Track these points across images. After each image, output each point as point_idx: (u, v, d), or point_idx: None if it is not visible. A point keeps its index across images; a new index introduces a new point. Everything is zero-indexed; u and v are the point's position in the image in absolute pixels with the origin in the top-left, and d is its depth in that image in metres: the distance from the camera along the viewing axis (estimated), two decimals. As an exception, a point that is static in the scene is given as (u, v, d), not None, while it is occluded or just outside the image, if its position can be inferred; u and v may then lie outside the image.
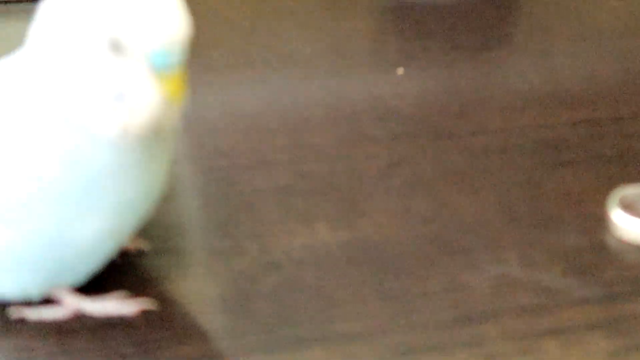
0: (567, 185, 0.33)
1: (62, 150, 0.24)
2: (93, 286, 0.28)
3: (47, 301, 0.27)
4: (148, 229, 0.31)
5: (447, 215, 0.32)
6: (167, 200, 0.33)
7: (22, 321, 0.27)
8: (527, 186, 0.33)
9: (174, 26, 0.23)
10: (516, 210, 0.32)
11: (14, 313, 0.27)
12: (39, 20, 0.24)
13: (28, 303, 0.27)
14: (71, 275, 0.27)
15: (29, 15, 0.57)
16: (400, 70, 0.44)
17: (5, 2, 0.58)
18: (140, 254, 0.30)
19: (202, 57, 0.47)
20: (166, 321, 0.28)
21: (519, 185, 0.33)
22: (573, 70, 0.44)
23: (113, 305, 0.28)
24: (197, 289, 0.29)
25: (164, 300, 0.28)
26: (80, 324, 0.27)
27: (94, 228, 0.26)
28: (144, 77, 0.23)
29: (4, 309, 0.27)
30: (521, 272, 0.28)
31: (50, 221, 0.25)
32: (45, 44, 0.24)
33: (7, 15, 0.57)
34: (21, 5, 0.57)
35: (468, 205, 0.32)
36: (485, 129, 0.38)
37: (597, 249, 0.30)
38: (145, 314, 0.28)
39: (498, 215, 0.32)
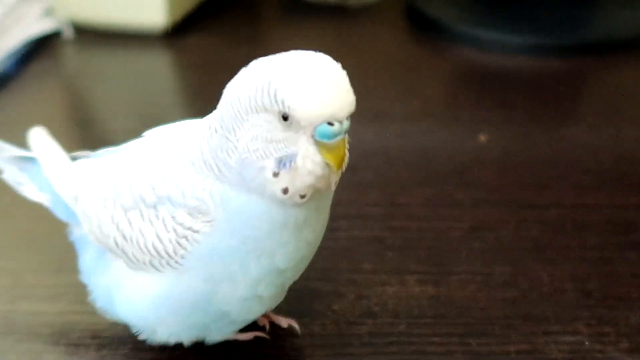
0: (635, 267, 0.35)
1: (223, 210, 0.25)
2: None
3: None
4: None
5: (524, 283, 0.34)
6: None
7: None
8: (598, 263, 0.35)
9: (340, 101, 0.23)
10: (588, 285, 0.34)
11: None
12: (225, 91, 0.25)
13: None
14: (217, 334, 0.29)
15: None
16: (482, 138, 0.46)
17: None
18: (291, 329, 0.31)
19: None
20: (274, 348, 0.31)
21: (591, 261, 0.35)
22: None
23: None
24: (302, 325, 0.31)
25: (273, 332, 0.31)
26: (203, 345, 0.30)
27: (240, 295, 0.26)
28: (308, 146, 0.23)
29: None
30: (591, 343, 0.30)
31: (199, 278, 0.26)
32: (226, 111, 0.25)
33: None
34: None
35: (544, 275, 0.34)
36: (559, 203, 0.40)
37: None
38: (257, 341, 0.31)
39: (571, 288, 0.33)
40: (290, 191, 0.24)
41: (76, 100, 0.57)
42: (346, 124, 0.24)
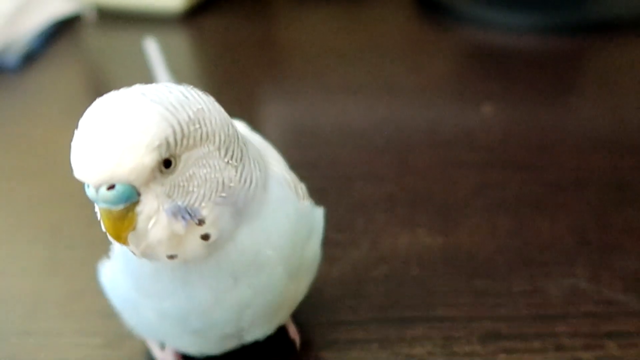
0: (630, 220, 0.37)
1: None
2: None
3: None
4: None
5: (527, 233, 0.36)
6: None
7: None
8: (595, 217, 0.37)
9: (92, 164, 0.19)
10: (586, 235, 0.36)
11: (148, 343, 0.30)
12: None
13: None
14: (174, 345, 0.27)
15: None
16: (487, 107, 0.48)
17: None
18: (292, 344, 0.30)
19: (320, 80, 0.53)
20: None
21: (589, 215, 0.38)
22: (638, 120, 0.48)
23: None
24: (322, 270, 0.34)
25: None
26: None
27: (152, 323, 0.25)
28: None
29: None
30: (588, 285, 0.33)
31: (121, 279, 0.25)
32: None
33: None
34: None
35: (545, 227, 0.37)
36: (560, 165, 0.42)
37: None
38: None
39: (570, 238, 0.36)
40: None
41: (97, 78, 0.60)
42: (107, 194, 0.20)
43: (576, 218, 0.38)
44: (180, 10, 0.66)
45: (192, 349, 0.27)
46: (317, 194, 0.29)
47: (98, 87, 0.58)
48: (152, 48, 0.44)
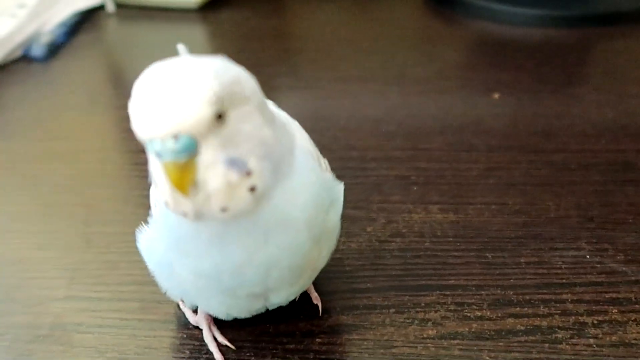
0: (632, 198, 0.39)
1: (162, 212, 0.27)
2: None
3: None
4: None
5: (534, 211, 0.39)
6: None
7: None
8: (599, 196, 0.40)
9: (155, 118, 0.21)
10: (590, 212, 0.38)
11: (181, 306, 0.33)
12: None
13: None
14: (204, 306, 0.30)
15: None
16: (496, 95, 0.51)
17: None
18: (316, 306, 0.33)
19: (334, 70, 0.55)
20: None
21: (593, 194, 0.40)
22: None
23: (212, 342, 0.31)
24: (341, 244, 0.36)
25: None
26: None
27: (187, 283, 0.27)
28: (155, 161, 0.22)
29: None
30: (592, 257, 0.35)
31: (162, 243, 0.28)
32: None
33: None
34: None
35: (551, 205, 0.39)
36: (566, 148, 0.44)
37: (652, 248, 0.36)
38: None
39: (575, 214, 0.38)
40: (170, 206, 0.24)
41: (118, 67, 0.62)
42: (173, 145, 0.21)
43: (581, 196, 0.40)
44: (197, 3, 0.68)
45: (221, 311, 0.29)
46: (334, 175, 0.31)
47: (120, 76, 0.60)
48: (183, 53, 0.46)
